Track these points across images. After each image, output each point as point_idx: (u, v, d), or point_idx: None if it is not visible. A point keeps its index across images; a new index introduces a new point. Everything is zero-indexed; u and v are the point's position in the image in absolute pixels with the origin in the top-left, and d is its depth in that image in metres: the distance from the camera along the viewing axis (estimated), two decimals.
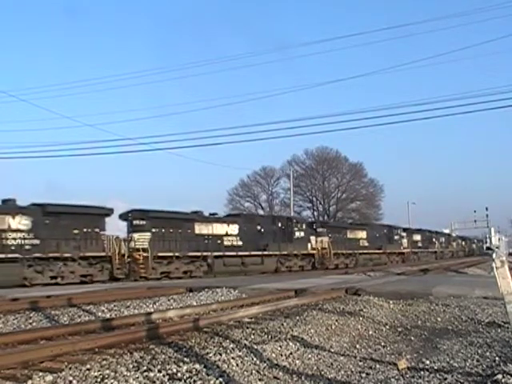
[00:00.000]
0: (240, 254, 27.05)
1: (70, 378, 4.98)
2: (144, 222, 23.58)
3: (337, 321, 8.96)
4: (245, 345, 6.75)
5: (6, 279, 17.87)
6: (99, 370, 5.26)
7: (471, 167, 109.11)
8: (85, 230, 21.24)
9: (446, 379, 5.53)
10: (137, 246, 22.82)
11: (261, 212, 65.49)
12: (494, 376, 5.39)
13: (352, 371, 5.96)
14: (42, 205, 20.51)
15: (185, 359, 5.88)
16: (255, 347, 6.62)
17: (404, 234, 46.57)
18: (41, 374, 5.09)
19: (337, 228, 38.57)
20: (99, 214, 22.33)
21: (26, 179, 60.08)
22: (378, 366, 6.21)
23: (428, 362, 6.34)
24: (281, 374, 5.72)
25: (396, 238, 44.60)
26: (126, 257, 22.37)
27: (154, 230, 23.67)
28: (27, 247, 19.48)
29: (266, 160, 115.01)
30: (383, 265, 37.17)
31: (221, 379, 5.23)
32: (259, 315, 9.42)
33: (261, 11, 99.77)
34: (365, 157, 75.38)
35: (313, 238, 33.10)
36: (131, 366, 5.51)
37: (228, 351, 6.33)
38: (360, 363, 6.36)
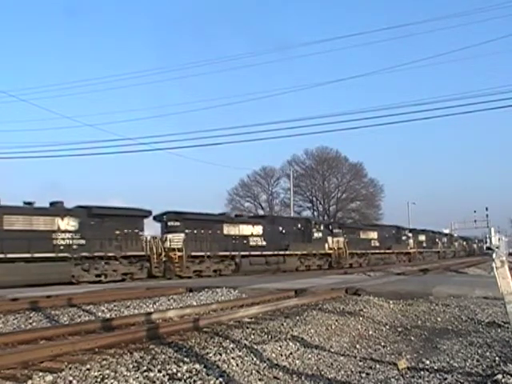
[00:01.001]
0: (264, 253, 28.53)
1: (70, 378, 4.98)
2: (178, 224, 24.86)
3: (337, 321, 8.96)
4: (245, 345, 6.75)
5: (57, 277, 19.17)
6: (99, 370, 5.26)
7: (471, 167, 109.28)
8: (125, 230, 22.51)
9: (445, 379, 5.53)
10: (172, 246, 24.05)
11: (261, 212, 65.52)
12: (494, 376, 5.39)
13: (352, 371, 5.96)
14: (88, 207, 21.76)
15: (185, 359, 5.88)
16: (255, 347, 6.62)
17: (410, 235, 48.23)
18: (41, 373, 5.09)
19: (351, 229, 40.28)
20: (138, 216, 23.64)
21: (26, 179, 60.06)
22: (377, 365, 6.21)
23: (428, 362, 6.34)
24: (281, 373, 5.72)
25: (403, 238, 46.40)
26: (162, 256, 23.53)
27: (187, 231, 24.97)
28: (74, 247, 20.66)
29: (266, 160, 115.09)
30: (392, 264, 38.88)
31: (221, 379, 5.23)
32: (259, 315, 9.42)
33: (261, 11, 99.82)
34: (365, 157, 75.57)
35: (330, 239, 34.71)
36: (131, 366, 5.50)
37: (228, 351, 6.33)
38: (360, 363, 6.36)
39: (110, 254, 21.58)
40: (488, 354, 6.80)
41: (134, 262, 22.60)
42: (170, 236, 24.38)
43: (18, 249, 18.59)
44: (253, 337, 7.36)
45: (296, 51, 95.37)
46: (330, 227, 36.46)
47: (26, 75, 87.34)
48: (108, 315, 10.24)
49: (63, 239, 20.48)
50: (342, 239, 35.84)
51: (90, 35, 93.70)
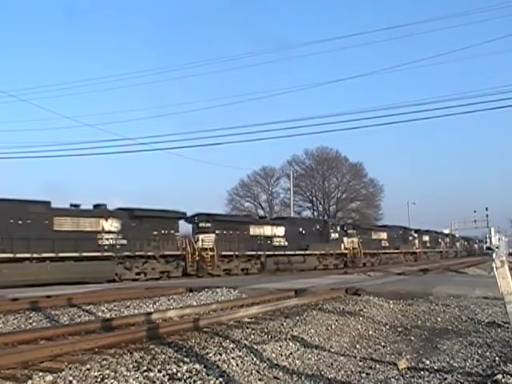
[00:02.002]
0: (287, 253, 30.02)
1: (70, 378, 4.98)
2: (209, 225, 26.15)
3: (337, 321, 8.96)
4: (245, 345, 6.75)
5: (102, 275, 20.63)
6: (99, 370, 5.26)
7: (471, 167, 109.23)
8: (162, 231, 23.81)
9: (445, 379, 5.53)
10: (204, 246, 25.37)
11: (261, 212, 65.52)
12: (494, 376, 5.39)
13: (352, 371, 5.96)
14: (129, 209, 23.07)
15: (185, 359, 5.88)
16: (255, 347, 6.62)
17: (416, 235, 49.76)
18: (41, 373, 5.09)
19: (364, 229, 41.58)
20: (174, 218, 24.94)
21: (26, 179, 60.03)
22: (378, 365, 6.21)
23: (428, 362, 6.34)
24: (281, 373, 5.72)
25: (410, 238, 48.08)
26: (196, 255, 24.87)
27: (217, 232, 26.21)
28: (117, 247, 21.84)
29: (266, 160, 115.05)
30: (400, 263, 40.50)
31: (221, 379, 5.23)
32: (259, 315, 9.42)
33: (261, 11, 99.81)
34: (365, 157, 75.53)
35: (345, 239, 36.29)
36: (131, 366, 5.50)
37: (228, 351, 6.33)
38: (360, 363, 6.36)
39: (150, 254, 22.83)
40: (488, 354, 6.80)
41: (170, 261, 23.86)
42: (201, 236, 25.66)
43: (67, 248, 19.77)
44: (253, 337, 7.36)
45: (296, 51, 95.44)
46: (345, 228, 37.82)
47: (26, 75, 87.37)
48: (108, 315, 10.23)
49: (107, 239, 21.67)
50: (356, 239, 37.30)
51: (90, 35, 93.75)
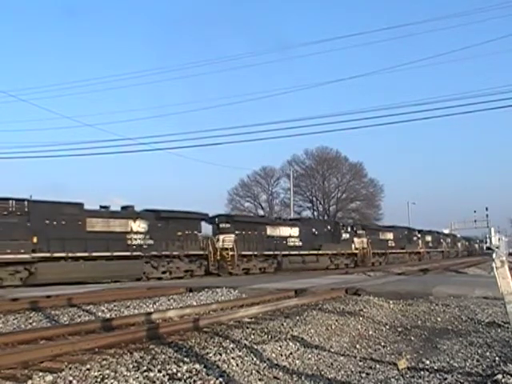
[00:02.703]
0: (301, 253, 31.16)
1: (70, 378, 4.98)
2: (229, 225, 27.19)
3: (337, 321, 8.96)
4: (245, 345, 6.75)
5: (131, 273, 21.90)
6: (99, 370, 5.26)
7: (471, 167, 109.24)
8: (186, 232, 24.95)
9: (445, 379, 5.53)
10: (225, 246, 26.26)
11: (261, 212, 65.56)
12: (494, 376, 5.39)
13: (352, 371, 5.96)
14: (155, 211, 24.08)
15: (185, 359, 5.88)
16: (255, 347, 6.62)
17: (419, 235, 51.10)
18: (41, 373, 5.09)
19: (372, 230, 42.74)
20: (197, 219, 26.23)
21: (26, 179, 60.01)
22: (378, 365, 6.21)
23: (428, 362, 6.34)
24: (281, 373, 5.72)
25: (414, 239, 49.65)
26: (218, 255, 25.91)
27: (236, 232, 27.21)
28: (145, 246, 22.91)
29: (266, 160, 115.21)
30: (405, 263, 41.56)
31: (221, 379, 5.23)
32: (259, 315, 9.42)
33: (261, 11, 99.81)
34: (365, 157, 75.53)
35: (355, 239, 37.44)
36: (131, 365, 5.50)
37: (228, 351, 6.33)
38: (360, 363, 6.36)
39: (175, 253, 23.96)
40: (488, 353, 6.80)
41: (193, 261, 25.00)
42: (221, 237, 26.52)
43: (99, 248, 20.79)
44: (253, 337, 7.36)
45: (296, 51, 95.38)
46: (354, 229, 38.84)
47: (26, 75, 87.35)
48: (108, 315, 10.23)
49: (135, 239, 22.73)
50: (365, 240, 38.39)
51: (90, 35, 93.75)
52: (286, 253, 29.95)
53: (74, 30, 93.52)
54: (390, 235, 44.72)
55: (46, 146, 67.29)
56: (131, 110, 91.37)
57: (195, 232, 25.58)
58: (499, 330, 8.48)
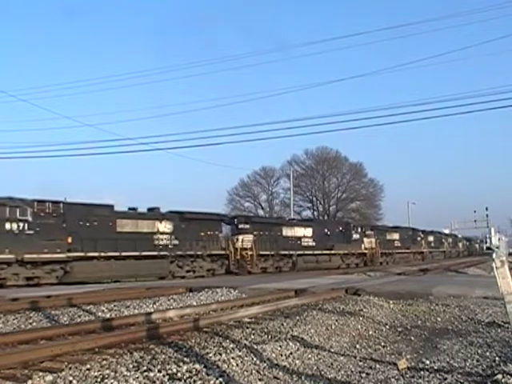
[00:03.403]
0: (315, 252, 32.59)
1: (70, 378, 4.98)
2: (248, 226, 28.47)
3: (337, 321, 8.96)
4: (245, 345, 6.75)
5: (158, 272, 23.02)
6: (99, 370, 5.26)
7: (471, 167, 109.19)
8: (208, 232, 26.01)
9: (445, 379, 5.53)
10: (244, 246, 27.41)
11: (261, 212, 65.58)
12: (494, 376, 5.39)
13: (352, 371, 5.96)
14: (180, 212, 25.18)
15: (185, 359, 5.88)
16: (255, 347, 6.62)
17: (422, 236, 52.88)
18: (41, 373, 5.09)
19: (380, 230, 44.09)
20: (218, 220, 27.73)
21: (25, 179, 59.99)
22: (378, 365, 6.21)
23: (428, 362, 6.34)
24: (281, 374, 5.72)
25: (418, 239, 51.36)
26: (238, 254, 27.06)
27: (255, 233, 28.39)
28: (170, 246, 23.98)
29: (266, 160, 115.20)
30: (410, 262, 43.06)
31: (221, 379, 5.23)
32: (259, 315, 9.42)
33: (261, 11, 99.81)
34: (365, 157, 75.58)
35: (365, 240, 39.05)
36: (131, 365, 5.51)
37: (228, 351, 6.33)
38: (360, 363, 6.36)
39: (199, 253, 25.12)
40: (488, 354, 6.80)
41: (215, 260, 26.17)
42: (240, 237, 27.60)
43: (128, 248, 21.80)
44: (253, 337, 7.36)
45: (296, 51, 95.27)
46: (363, 229, 40.05)
47: (26, 75, 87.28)
48: (108, 315, 10.23)
49: (161, 240, 23.75)
50: (373, 240, 39.97)
51: (90, 35, 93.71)
52: (301, 252, 31.20)
53: (74, 30, 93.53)
54: (396, 235, 46.22)
55: (46, 146, 67.22)
56: (131, 110, 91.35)
57: (216, 232, 26.65)
58: (499, 330, 8.48)
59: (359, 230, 38.97)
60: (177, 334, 7.38)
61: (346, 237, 36.72)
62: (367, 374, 5.84)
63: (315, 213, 70.32)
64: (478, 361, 6.41)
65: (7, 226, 18.64)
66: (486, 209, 57.31)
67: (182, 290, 14.80)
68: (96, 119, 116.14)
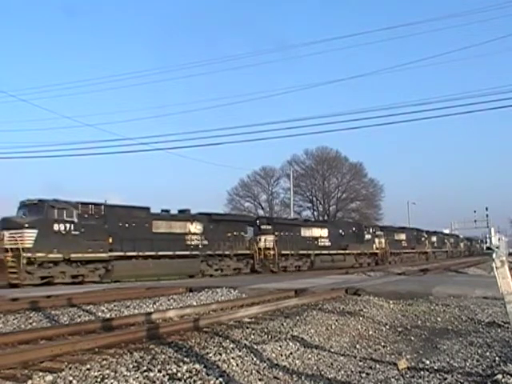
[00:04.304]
0: (331, 252, 34.17)
1: (70, 378, 4.98)
2: (269, 227, 29.75)
3: (337, 321, 8.96)
4: (245, 345, 6.75)
5: (190, 271, 24.19)
6: (99, 370, 5.26)
7: (471, 167, 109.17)
8: (234, 233, 27.46)
9: (445, 379, 5.53)
10: (267, 246, 28.70)
11: (261, 212, 65.56)
12: (494, 376, 5.39)
13: (352, 371, 5.96)
14: (209, 214, 26.91)
15: (185, 359, 5.88)
16: (255, 347, 6.62)
17: (426, 236, 54.45)
18: (41, 373, 5.09)
19: (389, 231, 45.33)
20: (243, 221, 29.86)
21: (25, 179, 60.00)
22: (378, 365, 6.21)
23: (428, 362, 6.34)
24: (281, 373, 5.72)
25: (422, 239, 52.99)
26: (262, 254, 28.37)
27: (276, 233, 29.66)
28: (200, 246, 25.28)
29: (266, 160, 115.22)
30: (415, 261, 44.58)
31: (221, 379, 5.23)
32: (259, 315, 9.42)
33: (261, 11, 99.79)
34: (365, 157, 75.50)
35: (376, 240, 40.69)
36: (131, 365, 5.50)
37: (228, 351, 6.33)
38: (360, 363, 6.36)
39: (226, 253, 26.51)
40: (488, 354, 6.80)
41: (241, 259, 27.57)
42: (263, 237, 28.90)
43: (162, 248, 23.02)
44: (253, 337, 7.36)
45: (296, 51, 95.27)
46: (374, 230, 41.76)
47: (26, 75, 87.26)
48: (108, 315, 10.23)
49: (192, 240, 25.07)
50: (383, 240, 41.53)
51: (90, 35, 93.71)
52: (318, 252, 32.81)
53: (74, 29, 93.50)
54: (402, 236, 47.90)
55: (46, 146, 67.17)
56: (131, 110, 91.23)
57: (242, 233, 27.98)
58: (499, 330, 8.48)
59: (371, 230, 40.60)
60: (177, 334, 7.38)
61: (359, 237, 38.23)
62: (367, 374, 5.84)
63: (315, 213, 70.34)
64: (477, 361, 6.41)
65: (55, 226, 19.62)
66: (486, 209, 57.35)
67: (181, 290, 14.79)
68: (96, 119, 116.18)
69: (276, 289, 14.23)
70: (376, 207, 72.32)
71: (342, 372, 5.92)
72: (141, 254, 22.13)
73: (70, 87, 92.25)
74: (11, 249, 18.62)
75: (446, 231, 63.87)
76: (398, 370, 5.95)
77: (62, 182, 69.20)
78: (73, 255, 19.77)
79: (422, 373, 5.82)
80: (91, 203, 21.19)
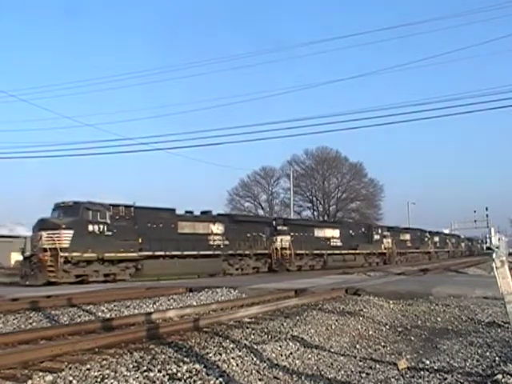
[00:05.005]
0: (343, 252, 35.37)
1: (70, 378, 4.98)
2: (285, 228, 30.90)
3: (337, 321, 8.96)
4: (245, 345, 6.75)
5: (213, 270, 25.15)
6: (99, 370, 5.26)
7: (471, 167, 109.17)
8: (253, 233, 28.64)
9: (445, 379, 5.53)
10: (283, 246, 29.81)
11: (261, 212, 65.58)
12: (494, 376, 5.39)
13: (352, 371, 5.96)
14: (229, 215, 29.37)
15: (185, 359, 5.88)
16: (255, 347, 6.62)
17: (429, 236, 55.49)
18: (41, 373, 5.09)
19: (394, 231, 46.23)
20: (262, 222, 31.46)
21: (25, 179, 60.02)
22: (378, 365, 6.21)
23: (428, 362, 6.33)
24: (281, 373, 5.72)
25: (426, 239, 54.26)
26: (279, 254, 29.44)
27: (291, 234, 30.77)
28: (222, 246, 26.28)
29: (266, 160, 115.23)
30: (419, 261, 45.65)
31: (221, 379, 5.23)
32: (259, 315, 9.42)
33: (261, 11, 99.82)
34: (365, 157, 75.44)
35: (384, 240, 41.82)
36: (131, 365, 5.50)
37: (228, 351, 6.33)
38: (360, 363, 6.36)
39: (246, 252, 27.61)
40: (488, 354, 6.80)
41: (259, 259, 28.70)
42: (279, 237, 30.01)
43: (188, 248, 24.03)
44: (253, 337, 7.36)
45: (296, 51, 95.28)
46: (381, 230, 42.74)
47: (26, 75, 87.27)
48: (108, 315, 10.23)
49: (215, 240, 26.05)
50: (390, 240, 42.62)
51: (90, 35, 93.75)
52: (330, 252, 34.02)
53: (75, 29, 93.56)
54: (407, 236, 49.10)
55: (46, 146, 67.16)
56: (131, 110, 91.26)
57: (260, 234, 29.15)
58: (499, 330, 8.48)
59: (379, 231, 41.85)
60: (177, 334, 7.38)
61: (368, 237, 39.53)
62: (367, 374, 5.84)
63: (315, 213, 70.35)
64: (478, 361, 6.41)
65: (90, 227, 20.55)
66: (486, 209, 57.31)
67: (181, 290, 14.78)
68: (96, 119, 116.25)
69: (276, 289, 14.23)
70: (376, 207, 72.38)
71: (342, 372, 5.92)
72: (168, 253, 23.03)
73: (70, 87, 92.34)
74: (49, 248, 19.36)
75: (446, 231, 63.94)
76: (398, 369, 5.95)
77: (62, 181, 69.24)
78: (106, 255, 20.66)
79: (422, 373, 5.82)
80: (122, 205, 22.09)
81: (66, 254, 19.47)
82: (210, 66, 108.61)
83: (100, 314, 10.50)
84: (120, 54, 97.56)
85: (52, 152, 46.34)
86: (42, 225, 20.20)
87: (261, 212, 65.63)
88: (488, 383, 5.27)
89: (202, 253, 24.70)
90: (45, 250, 19.37)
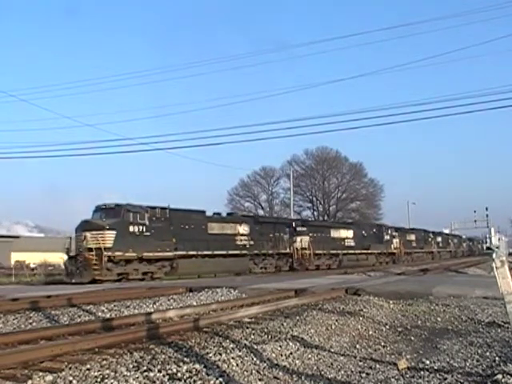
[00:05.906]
0: (355, 252, 37.16)
1: (70, 378, 4.97)
2: (305, 229, 32.53)
3: (337, 321, 8.96)
4: (245, 345, 6.75)
5: (240, 269, 26.53)
6: (99, 370, 5.26)
7: (471, 167, 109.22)
8: (276, 234, 30.20)
9: (445, 379, 5.53)
10: (303, 246, 31.31)
11: (261, 212, 65.57)
12: (494, 376, 5.39)
13: (352, 371, 5.96)
14: (253, 216, 31.29)
15: (185, 359, 5.88)
16: (255, 347, 6.62)
17: (432, 237, 57.09)
18: (41, 373, 5.09)
19: (402, 232, 47.81)
20: (284, 223, 32.70)
21: (25, 179, 59.98)
22: (378, 365, 6.21)
23: (428, 362, 6.33)
24: (281, 374, 5.71)
25: (429, 239, 55.78)
26: (299, 254, 30.88)
27: (310, 234, 32.38)
28: (248, 246, 27.80)
29: (266, 160, 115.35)
30: (423, 261, 47.29)
31: (221, 379, 5.23)
32: (259, 315, 9.42)
33: (262, 11, 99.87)
34: (365, 157, 75.57)
35: (393, 240, 43.32)
36: (131, 365, 5.50)
37: (228, 351, 6.33)
38: (360, 363, 6.36)
39: (270, 252, 29.26)
40: (488, 354, 6.80)
41: (281, 258, 30.22)
42: (299, 238, 31.47)
43: (217, 247, 25.45)
44: (253, 337, 7.36)
45: (296, 51, 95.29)
46: (391, 231, 44.08)
47: (26, 75, 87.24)
48: (108, 315, 10.23)
49: (241, 240, 27.52)
50: (398, 240, 44.24)
51: (90, 35, 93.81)
52: (345, 252, 35.71)
53: (75, 29, 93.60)
54: (413, 236, 50.48)
55: (46, 146, 67.20)
56: (131, 110, 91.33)
57: (282, 234, 30.59)
58: (499, 330, 8.48)
59: (389, 231, 43.33)
60: (177, 334, 7.38)
61: (379, 238, 41.11)
62: (367, 374, 5.84)
63: (315, 213, 70.36)
64: (478, 361, 6.41)
65: (131, 228, 21.78)
66: (486, 209, 57.42)
67: (181, 290, 14.79)
68: (96, 119, 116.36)
69: (276, 289, 14.23)
70: (376, 207, 72.45)
71: (342, 372, 5.92)
72: (200, 253, 24.44)
73: (70, 87, 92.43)
74: (94, 248, 20.43)
75: (446, 231, 63.99)
76: (398, 369, 5.95)
77: (62, 181, 69.23)
78: (145, 254, 21.92)
79: (422, 373, 5.82)
80: (158, 207, 23.22)
81: (110, 254, 20.59)
82: (210, 66, 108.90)
83: (100, 314, 10.50)
84: (120, 54, 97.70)
85: (52, 152, 46.52)
86: (86, 226, 21.31)
87: (261, 212, 65.65)
88: (488, 383, 5.27)
89: (230, 252, 26.08)
90: (90, 249, 20.42)
